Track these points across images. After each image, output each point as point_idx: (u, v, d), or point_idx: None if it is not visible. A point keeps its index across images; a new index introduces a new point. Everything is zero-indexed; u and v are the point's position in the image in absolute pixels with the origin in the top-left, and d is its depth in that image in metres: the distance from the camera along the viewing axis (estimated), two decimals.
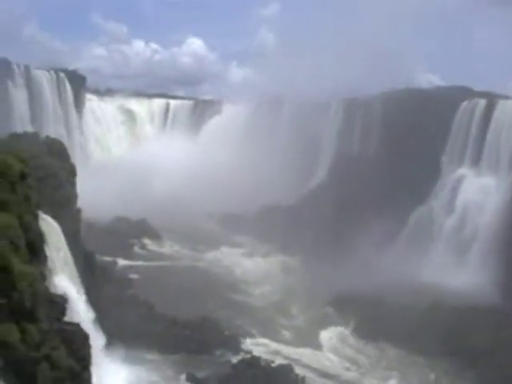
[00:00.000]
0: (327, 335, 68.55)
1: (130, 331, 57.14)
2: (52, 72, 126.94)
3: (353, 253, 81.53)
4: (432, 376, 60.33)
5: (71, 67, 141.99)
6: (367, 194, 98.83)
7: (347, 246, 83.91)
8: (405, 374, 60.60)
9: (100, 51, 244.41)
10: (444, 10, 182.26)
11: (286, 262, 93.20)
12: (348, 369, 60.90)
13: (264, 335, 65.99)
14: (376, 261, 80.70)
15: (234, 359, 58.59)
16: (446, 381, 59.73)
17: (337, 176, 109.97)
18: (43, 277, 32.42)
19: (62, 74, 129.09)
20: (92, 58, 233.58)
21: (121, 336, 55.16)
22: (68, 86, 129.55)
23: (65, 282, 44.43)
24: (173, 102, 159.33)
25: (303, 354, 62.82)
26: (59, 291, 39.06)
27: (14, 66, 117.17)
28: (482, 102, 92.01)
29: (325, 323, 71.26)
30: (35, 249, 31.22)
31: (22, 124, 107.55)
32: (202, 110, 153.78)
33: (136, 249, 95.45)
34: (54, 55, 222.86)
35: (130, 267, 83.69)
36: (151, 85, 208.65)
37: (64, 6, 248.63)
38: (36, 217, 33.96)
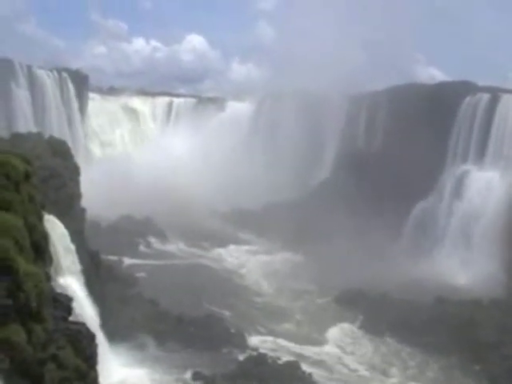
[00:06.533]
0: (334, 331, 68.18)
1: (135, 329, 57.25)
2: (55, 72, 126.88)
3: (358, 249, 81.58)
4: (438, 370, 60.20)
5: (71, 66, 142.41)
6: (372, 190, 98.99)
7: (353, 242, 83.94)
8: (411, 368, 60.54)
9: (100, 49, 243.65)
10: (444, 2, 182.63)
11: (291, 258, 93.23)
12: (355, 365, 60.83)
13: (271, 332, 65.90)
14: (381, 256, 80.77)
15: (241, 356, 58.33)
16: (453, 375, 59.51)
17: (341, 172, 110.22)
18: (48, 277, 32.40)
19: (64, 74, 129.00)
20: (92, 56, 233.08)
21: (127, 334, 55.33)
22: (71, 86, 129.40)
23: (70, 281, 44.52)
24: (176, 100, 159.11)
25: (310, 350, 62.66)
26: (64, 291, 39.07)
27: (17, 66, 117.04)
28: (486, 97, 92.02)
29: (332, 320, 70.95)
30: (40, 249, 31.12)
31: (25, 124, 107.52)
32: (206, 107, 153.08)
33: (141, 247, 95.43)
34: (53, 54, 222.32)
35: (136, 266, 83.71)
36: (153, 83, 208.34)
37: (62, 4, 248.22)
38: (41, 217, 33.89)
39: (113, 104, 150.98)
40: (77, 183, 59.48)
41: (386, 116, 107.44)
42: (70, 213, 52.34)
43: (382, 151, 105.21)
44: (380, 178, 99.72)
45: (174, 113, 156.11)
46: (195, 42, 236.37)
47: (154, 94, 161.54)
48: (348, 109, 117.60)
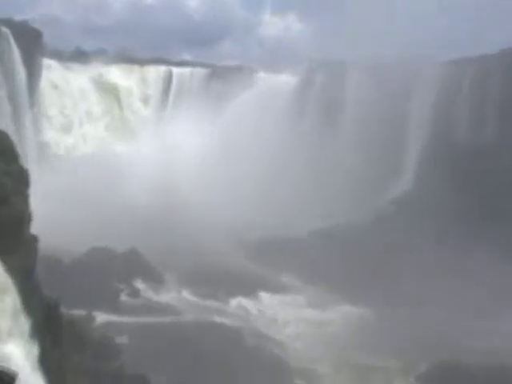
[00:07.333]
0: None
1: None
2: None
3: (458, 299, 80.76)
4: None
5: (18, 17, 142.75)
6: (479, 206, 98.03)
7: (447, 288, 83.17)
8: None
9: None
10: None
11: (354, 315, 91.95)
12: None
13: None
14: (493, 308, 79.80)
15: None
16: None
17: (431, 179, 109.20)
18: None
19: (4, 29, 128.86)
20: (48, 2, 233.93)
21: None
22: (14, 47, 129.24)
23: (13, 349, 44.21)
24: (177, 71, 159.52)
25: None
26: (5, 363, 38.78)
27: None
28: None
29: None
30: None
31: None
32: (223, 81, 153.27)
33: (123, 296, 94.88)
34: None
35: (115, 325, 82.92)
36: (141, 44, 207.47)
37: None
38: None
39: (80, 76, 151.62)
40: (25, 198, 59.19)
41: (502, 91, 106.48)
42: (14, 243, 52.16)
43: (495, 145, 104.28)
44: (492, 187, 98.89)
45: (174, 90, 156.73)
46: None
47: (143, 62, 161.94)
48: (443, 83, 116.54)
